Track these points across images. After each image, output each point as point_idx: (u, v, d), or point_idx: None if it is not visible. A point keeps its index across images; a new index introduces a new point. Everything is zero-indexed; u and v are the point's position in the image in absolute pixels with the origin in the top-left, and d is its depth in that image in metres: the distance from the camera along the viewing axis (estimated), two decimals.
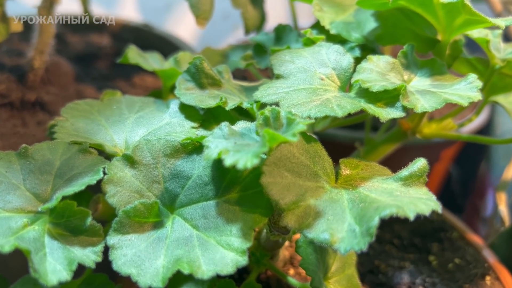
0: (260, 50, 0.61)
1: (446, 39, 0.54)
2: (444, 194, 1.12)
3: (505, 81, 0.62)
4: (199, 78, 0.51)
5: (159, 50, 0.92)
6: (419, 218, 0.73)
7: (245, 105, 0.47)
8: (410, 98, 0.44)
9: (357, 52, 0.52)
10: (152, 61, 0.65)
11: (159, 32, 0.92)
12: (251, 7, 0.70)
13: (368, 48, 0.56)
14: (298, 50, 0.51)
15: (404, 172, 0.41)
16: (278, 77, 0.49)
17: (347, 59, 0.49)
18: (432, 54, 0.57)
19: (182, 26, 1.04)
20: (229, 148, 0.37)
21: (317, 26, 0.56)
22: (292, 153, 0.40)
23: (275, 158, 0.39)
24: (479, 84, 0.45)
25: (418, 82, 0.48)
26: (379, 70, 0.47)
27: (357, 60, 0.51)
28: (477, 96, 0.44)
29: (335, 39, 0.54)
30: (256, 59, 0.61)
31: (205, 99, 0.49)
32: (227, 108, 0.47)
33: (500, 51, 0.61)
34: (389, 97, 0.44)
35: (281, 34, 0.61)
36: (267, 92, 0.46)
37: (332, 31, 0.54)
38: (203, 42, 1.24)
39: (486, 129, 0.90)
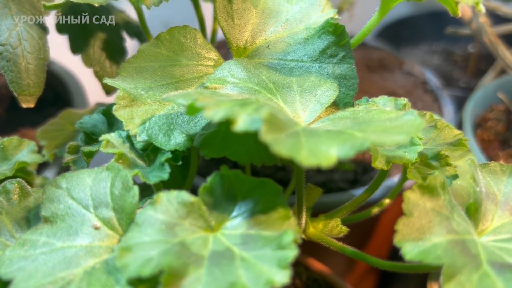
0: (90, 139, 0.48)
1: None
2: None
3: None
4: None
5: (55, 89, 0.80)
6: None
7: None
8: (185, 284, 0.29)
9: (166, 173, 0.37)
10: None
11: (57, 69, 0.80)
12: (109, 62, 0.56)
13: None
14: (81, 173, 0.37)
15: None
16: (46, 220, 0.36)
17: (131, 197, 0.35)
18: None
19: None
20: None
21: None
22: None
23: None
24: (292, 254, 0.30)
25: (230, 228, 0.34)
26: (165, 220, 0.33)
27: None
28: (282, 279, 0.29)
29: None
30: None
31: None
32: None
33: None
34: (153, 279, 0.30)
35: (112, 118, 0.47)
36: (11, 254, 0.33)
37: (140, 137, 0.39)
38: None
39: None
